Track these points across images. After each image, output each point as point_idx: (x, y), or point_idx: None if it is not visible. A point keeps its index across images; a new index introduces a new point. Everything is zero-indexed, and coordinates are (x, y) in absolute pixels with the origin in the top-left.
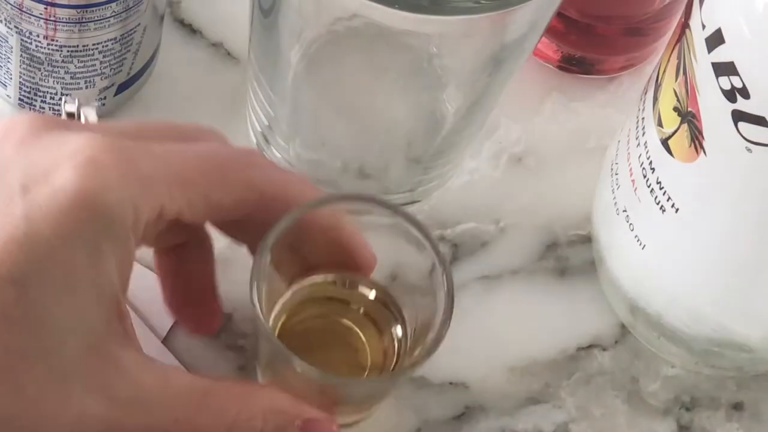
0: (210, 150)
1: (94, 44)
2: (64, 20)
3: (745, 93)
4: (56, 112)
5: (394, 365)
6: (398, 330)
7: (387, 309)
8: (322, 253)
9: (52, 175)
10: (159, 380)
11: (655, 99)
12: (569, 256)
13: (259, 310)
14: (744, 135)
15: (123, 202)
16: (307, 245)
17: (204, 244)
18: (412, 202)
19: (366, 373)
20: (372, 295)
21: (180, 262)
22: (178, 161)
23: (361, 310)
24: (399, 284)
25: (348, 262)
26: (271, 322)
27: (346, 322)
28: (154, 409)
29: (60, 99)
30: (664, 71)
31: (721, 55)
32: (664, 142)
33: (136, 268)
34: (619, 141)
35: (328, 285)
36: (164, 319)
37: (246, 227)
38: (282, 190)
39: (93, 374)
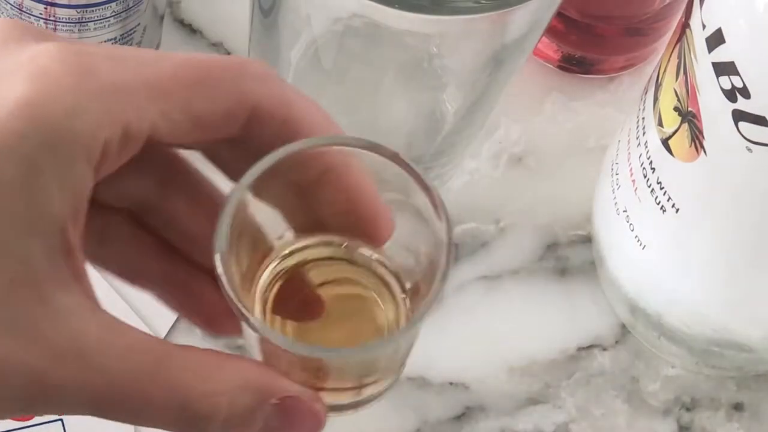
0: (193, 56)
1: None
2: (64, 20)
3: (745, 93)
4: None
5: None
6: (399, 293)
7: (389, 270)
8: (329, 208)
9: (0, 85)
10: (105, 333)
11: (656, 99)
12: (569, 256)
13: (219, 258)
14: (744, 135)
15: (73, 113)
16: (312, 194)
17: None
18: None
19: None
20: (375, 255)
21: (175, 292)
22: (150, 67)
23: (373, 271)
24: (393, 243)
25: (358, 227)
26: (259, 290)
27: (361, 287)
28: (92, 367)
29: None
30: (665, 71)
31: (721, 54)
32: (665, 142)
33: None
34: (619, 141)
35: (323, 247)
36: (164, 319)
37: (239, 156)
38: (283, 110)
39: (18, 315)
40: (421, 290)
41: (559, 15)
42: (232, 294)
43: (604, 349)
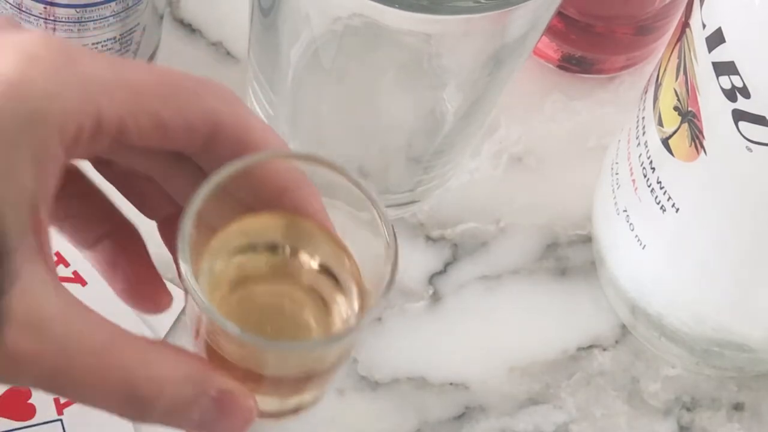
0: (168, 71)
1: (93, 44)
2: (64, 20)
3: (745, 92)
4: None
5: None
6: (340, 301)
7: (331, 277)
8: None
9: None
10: (65, 309)
11: (656, 98)
12: (569, 255)
13: (186, 262)
14: (744, 134)
15: (53, 96)
16: (260, 205)
17: (129, 234)
18: (412, 202)
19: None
20: (315, 263)
21: (113, 254)
22: (128, 71)
23: (307, 283)
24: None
25: None
26: (206, 293)
27: (294, 298)
28: (52, 340)
29: None
30: (665, 71)
31: (721, 54)
32: (665, 142)
33: None
34: (619, 140)
35: (267, 253)
36: (164, 319)
37: (194, 176)
38: (241, 131)
39: None
40: (365, 300)
41: (559, 14)
42: (191, 279)
43: (605, 349)
